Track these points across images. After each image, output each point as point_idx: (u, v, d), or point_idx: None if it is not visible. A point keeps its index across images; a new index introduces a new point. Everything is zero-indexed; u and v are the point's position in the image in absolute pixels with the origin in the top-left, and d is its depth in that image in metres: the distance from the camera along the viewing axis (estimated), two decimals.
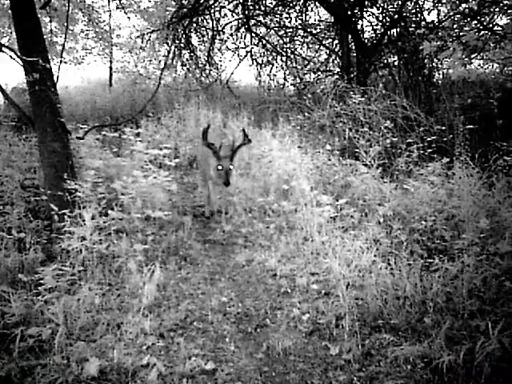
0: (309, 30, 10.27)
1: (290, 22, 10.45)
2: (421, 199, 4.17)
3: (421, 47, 5.86)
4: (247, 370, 2.69)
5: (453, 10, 7.15)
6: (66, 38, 6.21)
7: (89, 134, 5.46)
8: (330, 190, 5.05)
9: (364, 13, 9.27)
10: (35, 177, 5.28)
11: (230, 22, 10.56)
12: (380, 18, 9.31)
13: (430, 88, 7.93)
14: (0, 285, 3.16)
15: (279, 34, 10.62)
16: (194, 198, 6.05)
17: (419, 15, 8.49)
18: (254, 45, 10.66)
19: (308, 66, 10.78)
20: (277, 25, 10.54)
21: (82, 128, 5.80)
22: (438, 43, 6.56)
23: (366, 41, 9.30)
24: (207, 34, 10.65)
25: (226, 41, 10.94)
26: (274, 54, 10.69)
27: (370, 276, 3.23)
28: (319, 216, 4.28)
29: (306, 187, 4.68)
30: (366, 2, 9.07)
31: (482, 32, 6.46)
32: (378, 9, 9.22)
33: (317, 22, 10.29)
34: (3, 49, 4.17)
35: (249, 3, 9.96)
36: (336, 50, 9.96)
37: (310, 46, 11.00)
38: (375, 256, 3.48)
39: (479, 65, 10.03)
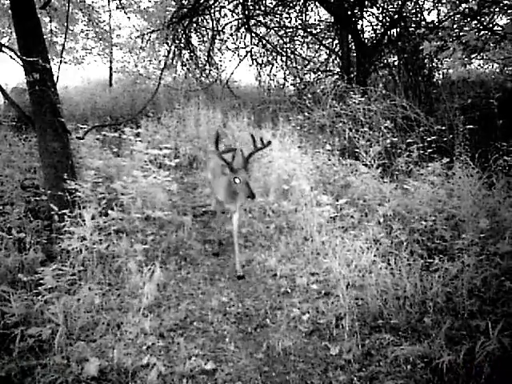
0: (309, 29, 10.27)
1: (290, 21, 10.46)
2: (421, 199, 4.17)
3: (421, 47, 5.84)
4: (247, 370, 2.69)
5: (453, 10, 7.14)
6: (65, 38, 6.22)
7: (89, 134, 5.46)
8: (330, 190, 5.05)
9: (364, 13, 9.27)
10: (35, 177, 5.27)
11: (230, 22, 10.57)
12: (380, 18, 9.31)
13: (430, 88, 7.93)
14: (0, 285, 3.16)
15: (279, 34, 10.62)
16: (194, 197, 6.05)
17: (419, 15, 8.48)
18: (254, 45, 10.66)
19: (308, 66, 10.78)
20: (277, 25, 10.54)
21: (81, 128, 5.80)
22: (438, 43, 6.55)
23: (366, 41, 9.29)
24: (207, 33, 10.64)
25: (226, 41, 10.95)
26: (274, 54, 10.69)
27: (370, 276, 3.23)
28: (319, 216, 4.29)
29: (306, 187, 4.69)
30: (366, 2, 9.07)
31: (482, 32, 6.46)
32: (378, 9, 9.22)
33: (317, 22, 10.29)
34: (3, 49, 4.17)
35: (249, 3, 9.96)
36: (336, 50, 9.96)
37: (310, 46, 11.00)
38: (375, 256, 3.48)
39: (479, 65, 10.03)
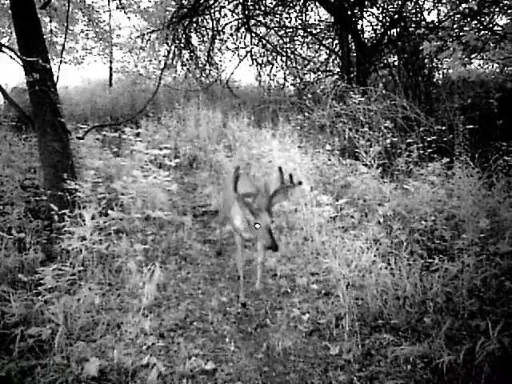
0: (309, 29, 10.27)
1: (290, 22, 10.46)
2: (421, 199, 4.17)
3: (421, 47, 5.85)
4: (247, 370, 2.69)
5: (453, 10, 7.15)
6: (65, 38, 6.21)
7: (89, 134, 5.46)
8: (330, 190, 5.05)
9: (364, 13, 9.27)
10: (35, 177, 5.28)
11: (230, 22, 10.57)
12: (380, 18, 9.31)
13: (430, 88, 7.93)
14: (0, 285, 3.16)
15: (279, 33, 10.62)
16: (194, 197, 6.05)
17: (419, 15, 8.48)
18: (254, 45, 10.66)
19: (308, 66, 10.78)
20: (277, 25, 10.54)
21: (81, 128, 5.81)
22: (438, 43, 6.56)
23: (366, 41, 9.29)
24: (207, 33, 10.65)
25: (226, 41, 10.95)
26: (274, 54, 10.70)
27: (370, 276, 3.23)
28: (319, 216, 4.28)
29: (306, 187, 4.68)
30: (366, 2, 9.06)
31: (482, 32, 6.46)
32: (378, 9, 9.22)
33: (317, 22, 10.30)
34: (3, 49, 4.17)
35: (249, 3, 9.96)
36: (336, 50, 9.96)
37: (310, 46, 11.00)
38: (375, 256, 3.48)
39: (479, 65, 10.02)
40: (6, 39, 9.07)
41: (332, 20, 9.92)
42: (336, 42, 9.96)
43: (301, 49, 11.05)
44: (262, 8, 10.19)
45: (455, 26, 6.86)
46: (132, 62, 11.60)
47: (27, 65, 4.17)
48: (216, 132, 7.95)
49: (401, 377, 2.53)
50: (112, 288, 3.47)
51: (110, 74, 12.68)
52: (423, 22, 8.30)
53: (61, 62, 5.81)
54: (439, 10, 8.35)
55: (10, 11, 5.23)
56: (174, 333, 3.03)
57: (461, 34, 6.40)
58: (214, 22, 10.33)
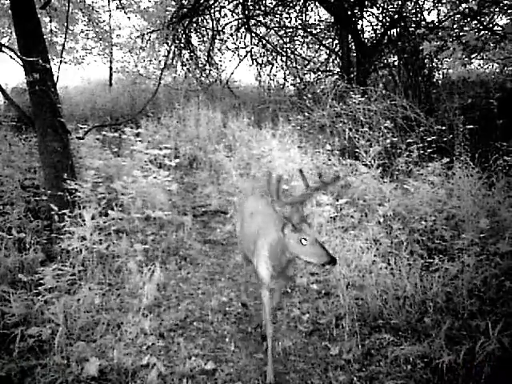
0: (309, 29, 10.27)
1: (290, 21, 10.46)
2: (421, 199, 4.17)
3: (421, 47, 5.84)
4: (247, 370, 2.69)
5: (453, 10, 7.15)
6: (65, 38, 6.22)
7: (89, 133, 5.46)
8: (330, 190, 5.05)
9: (364, 13, 9.27)
10: (35, 177, 5.27)
11: (230, 22, 10.57)
12: (380, 18, 9.31)
13: (430, 88, 7.93)
14: (0, 285, 3.16)
15: (279, 33, 10.62)
16: (194, 197, 6.05)
17: (419, 15, 8.48)
18: (254, 45, 10.66)
19: (308, 66, 10.78)
20: (277, 25, 10.55)
21: (81, 128, 5.80)
22: (438, 43, 6.56)
23: (366, 41, 9.29)
24: (207, 33, 10.65)
25: (226, 41, 10.95)
26: (274, 54, 10.70)
27: (370, 276, 3.23)
28: (319, 216, 4.28)
29: None
30: (366, 2, 9.06)
31: (482, 32, 6.46)
32: (378, 9, 9.22)
33: (317, 22, 10.30)
34: (3, 49, 4.17)
35: (249, 3, 9.96)
36: (336, 49, 9.97)
37: (310, 46, 11.00)
38: (375, 256, 3.48)
39: (479, 65, 10.02)
40: (6, 39, 9.07)
41: (332, 20, 9.92)
42: (336, 41, 9.97)
43: (301, 49, 11.07)
44: (262, 8, 10.19)
45: (455, 26, 6.86)
46: (132, 62, 11.60)
47: (27, 65, 4.17)
48: (216, 132, 7.95)
49: (401, 377, 2.53)
50: (112, 288, 3.47)
51: (110, 74, 12.68)
52: (423, 22, 8.29)
53: (61, 62, 5.81)
54: (439, 10, 8.36)
55: (9, 11, 5.23)
56: (174, 333, 3.03)
57: (461, 34, 6.40)
58: (214, 21, 10.34)
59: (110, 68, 12.54)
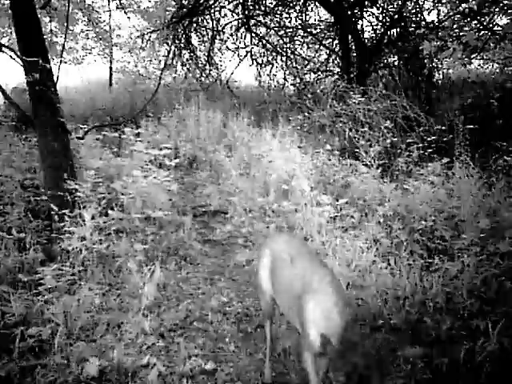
0: (309, 30, 10.28)
1: (290, 21, 10.47)
2: (421, 199, 4.17)
3: (421, 47, 5.85)
4: (247, 370, 2.69)
5: (453, 10, 7.15)
6: (65, 38, 6.22)
7: (89, 133, 5.46)
8: (330, 190, 5.05)
9: (364, 13, 9.28)
10: (35, 177, 5.27)
11: (230, 22, 10.58)
12: (380, 18, 9.31)
13: (430, 88, 7.93)
14: (0, 285, 3.16)
15: (279, 33, 10.62)
16: (194, 198, 6.05)
17: (419, 15, 8.49)
18: (254, 45, 10.67)
19: (308, 66, 10.78)
20: (277, 25, 10.55)
21: (81, 128, 5.79)
22: (438, 43, 6.56)
23: (366, 41, 9.30)
24: (207, 34, 10.65)
25: (226, 41, 10.95)
26: (273, 54, 10.70)
27: (370, 276, 3.23)
28: (319, 216, 4.28)
29: (306, 187, 4.68)
30: (366, 2, 9.07)
31: (482, 32, 6.46)
32: (378, 9, 9.23)
33: (317, 22, 10.30)
34: (3, 49, 4.17)
35: (249, 3, 9.97)
36: (336, 49, 9.97)
37: (310, 46, 11.01)
38: (375, 256, 3.48)
39: (479, 65, 10.02)
40: (6, 39, 9.08)
41: (332, 20, 9.92)
42: (336, 41, 9.97)
43: (301, 49, 11.07)
44: (262, 8, 10.20)
45: (455, 26, 6.86)
46: (132, 62, 11.63)
47: (27, 65, 4.17)
48: (216, 132, 7.95)
49: (401, 377, 2.53)
50: (112, 288, 3.47)
51: (110, 74, 12.68)
52: (423, 22, 8.30)
53: (61, 62, 5.80)
54: (439, 10, 8.36)
55: (10, 11, 5.23)
56: (174, 333, 3.03)
57: (461, 34, 6.40)
58: (214, 21, 10.35)
59: (110, 68, 12.55)
